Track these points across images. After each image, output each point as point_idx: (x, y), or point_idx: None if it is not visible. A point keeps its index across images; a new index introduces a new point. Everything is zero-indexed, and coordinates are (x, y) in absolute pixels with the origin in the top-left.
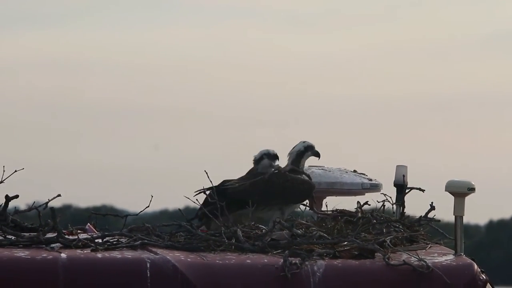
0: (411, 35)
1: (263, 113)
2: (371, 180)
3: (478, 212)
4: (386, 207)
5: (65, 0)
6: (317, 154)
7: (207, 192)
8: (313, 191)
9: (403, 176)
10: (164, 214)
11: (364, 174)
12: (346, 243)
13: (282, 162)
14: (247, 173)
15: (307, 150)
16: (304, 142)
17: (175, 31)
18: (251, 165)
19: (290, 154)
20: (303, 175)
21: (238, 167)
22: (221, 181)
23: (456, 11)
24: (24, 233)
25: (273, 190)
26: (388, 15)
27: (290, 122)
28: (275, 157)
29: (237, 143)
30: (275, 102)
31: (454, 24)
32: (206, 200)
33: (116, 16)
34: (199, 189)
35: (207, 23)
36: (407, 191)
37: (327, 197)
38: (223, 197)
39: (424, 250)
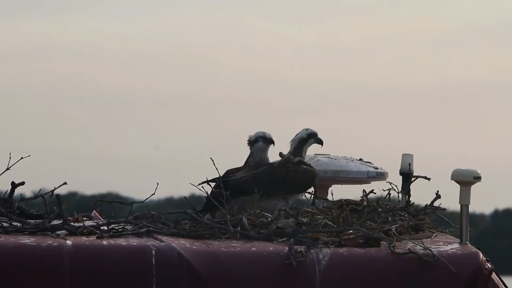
0: (415, 25)
1: (267, 101)
2: (377, 168)
3: (484, 201)
4: (391, 195)
5: None
6: (320, 142)
7: (211, 184)
8: (315, 179)
9: (409, 164)
10: (169, 202)
11: (370, 162)
12: (351, 231)
13: (279, 148)
14: (247, 160)
15: (310, 137)
16: (307, 129)
17: (176, 19)
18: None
19: (292, 141)
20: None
21: (242, 155)
22: (225, 171)
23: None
24: (30, 220)
25: (276, 181)
26: (391, 4)
27: (293, 111)
28: (270, 141)
29: (240, 130)
30: (278, 90)
31: (457, 14)
32: (211, 190)
33: (117, 5)
34: (203, 180)
35: (208, 11)
36: (413, 179)
37: (333, 186)
38: (227, 188)
39: (430, 239)
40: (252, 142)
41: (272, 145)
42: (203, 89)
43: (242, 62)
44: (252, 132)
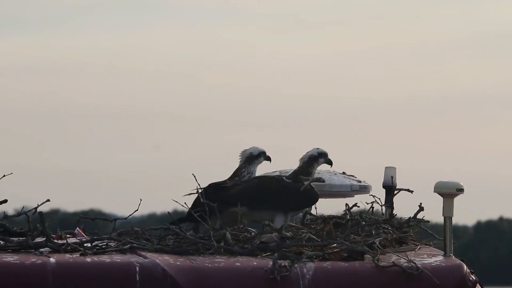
0: (397, 38)
1: (249, 116)
2: (360, 182)
3: (466, 213)
4: (375, 208)
5: (48, 5)
6: (329, 162)
7: (199, 191)
8: (311, 200)
9: (392, 177)
10: (152, 218)
11: (353, 176)
12: (335, 245)
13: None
14: (236, 173)
15: (321, 156)
16: (317, 148)
17: (160, 33)
18: (236, 167)
19: (302, 159)
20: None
21: (224, 171)
22: (208, 184)
23: (433, 14)
24: (13, 238)
25: (264, 196)
26: (370, 17)
27: (277, 125)
28: (269, 158)
29: (222, 146)
30: (260, 105)
31: (442, 26)
32: (194, 203)
33: (99, 20)
34: (191, 191)
35: (195, 25)
36: (396, 192)
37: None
38: (214, 199)
39: (414, 252)
40: (255, 156)
41: (269, 162)
42: (187, 107)
43: (223, 78)
44: (237, 150)
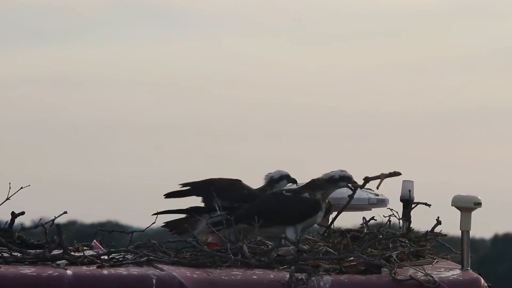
0: (414, 52)
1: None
2: (377, 195)
3: (484, 226)
4: (392, 222)
5: (63, 17)
6: (354, 187)
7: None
8: (312, 209)
9: (409, 191)
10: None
11: (370, 189)
12: (352, 258)
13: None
14: (259, 190)
15: (343, 180)
16: (342, 171)
17: (174, 45)
18: (248, 180)
19: (324, 175)
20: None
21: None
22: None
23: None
24: (30, 250)
25: (266, 213)
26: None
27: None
28: (293, 181)
29: (234, 156)
30: (268, 116)
31: (460, 39)
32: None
33: (114, 32)
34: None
35: (205, 38)
36: (413, 206)
37: (334, 213)
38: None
39: (431, 265)
40: (275, 180)
41: (296, 184)
42: (200, 116)
43: (231, 90)
44: (250, 161)
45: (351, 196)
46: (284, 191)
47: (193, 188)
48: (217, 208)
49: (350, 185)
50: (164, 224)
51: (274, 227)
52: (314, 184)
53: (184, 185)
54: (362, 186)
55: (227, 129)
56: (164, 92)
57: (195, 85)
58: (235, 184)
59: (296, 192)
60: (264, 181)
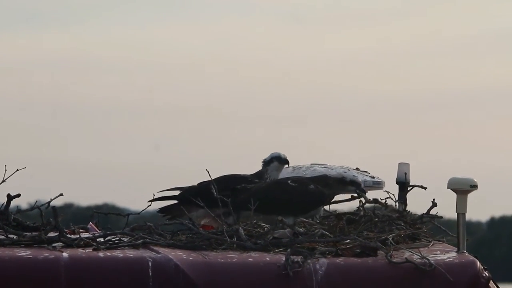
0: (412, 34)
1: (263, 111)
2: (373, 178)
3: (480, 209)
4: (388, 204)
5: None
6: (360, 193)
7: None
8: (317, 202)
9: (405, 173)
10: None
11: (366, 171)
12: (348, 241)
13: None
14: (261, 176)
15: (352, 184)
16: (354, 175)
17: (175, 27)
18: (249, 164)
19: (337, 174)
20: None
21: (240, 166)
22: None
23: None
24: (26, 233)
25: (271, 201)
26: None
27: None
28: (285, 161)
29: (238, 141)
30: (275, 100)
31: (456, 22)
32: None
33: (115, 14)
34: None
35: (208, 19)
36: (409, 188)
37: None
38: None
39: (427, 248)
40: (267, 162)
41: (287, 165)
42: (202, 100)
43: (235, 71)
44: (253, 146)
45: (353, 197)
46: (289, 181)
47: (190, 194)
48: (214, 191)
49: (358, 191)
50: (159, 209)
51: (276, 216)
52: (324, 181)
53: (175, 189)
54: (366, 198)
55: (227, 111)
56: (162, 74)
57: (195, 67)
58: (230, 179)
59: (302, 183)
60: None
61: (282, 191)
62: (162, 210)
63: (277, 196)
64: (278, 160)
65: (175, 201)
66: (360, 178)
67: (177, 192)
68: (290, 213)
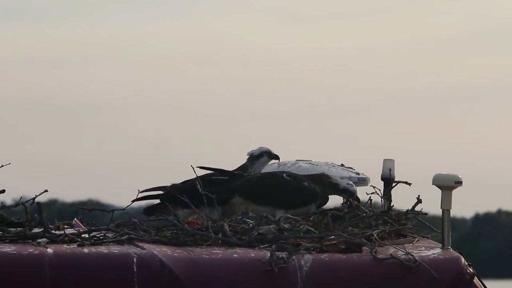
0: (401, 32)
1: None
2: (358, 174)
3: (465, 205)
4: (373, 201)
5: None
6: (355, 200)
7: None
8: (310, 198)
9: (390, 170)
10: None
11: (351, 168)
12: (333, 237)
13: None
14: (245, 169)
15: (344, 192)
16: (349, 183)
17: (167, 26)
18: (237, 161)
19: (333, 179)
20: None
21: (226, 163)
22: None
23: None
24: (11, 228)
25: (265, 191)
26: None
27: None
28: (275, 156)
29: (223, 138)
30: (263, 98)
31: (449, 19)
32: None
33: (107, 12)
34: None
35: (200, 19)
36: (394, 185)
37: None
38: (212, 188)
39: (412, 244)
40: (255, 156)
41: (278, 160)
42: (187, 99)
43: (219, 70)
44: (237, 143)
45: (346, 203)
46: (285, 175)
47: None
48: (198, 185)
49: (351, 199)
50: (143, 210)
51: (266, 208)
52: (320, 180)
53: (158, 188)
54: (359, 207)
55: (210, 109)
56: (147, 72)
57: (177, 65)
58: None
59: (297, 178)
60: (246, 159)
61: (276, 183)
62: (146, 211)
63: (270, 187)
64: (268, 155)
65: (159, 201)
66: (345, 174)
67: (160, 192)
68: (281, 206)
